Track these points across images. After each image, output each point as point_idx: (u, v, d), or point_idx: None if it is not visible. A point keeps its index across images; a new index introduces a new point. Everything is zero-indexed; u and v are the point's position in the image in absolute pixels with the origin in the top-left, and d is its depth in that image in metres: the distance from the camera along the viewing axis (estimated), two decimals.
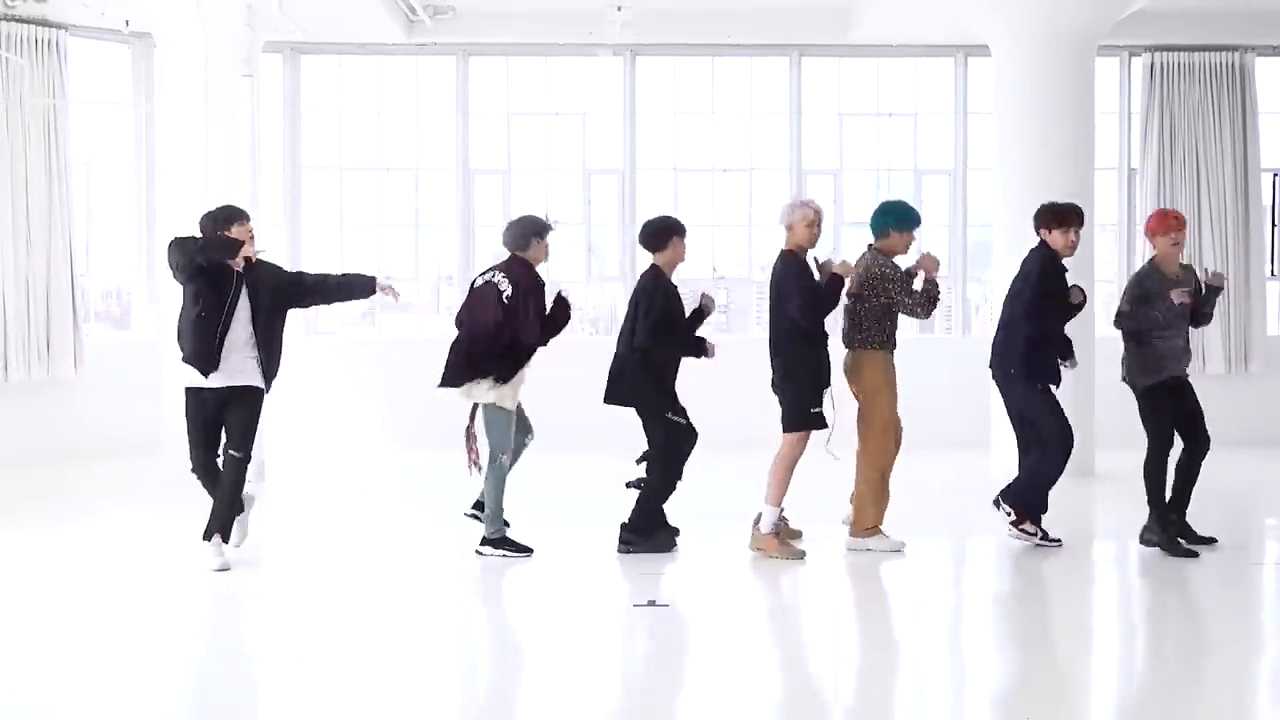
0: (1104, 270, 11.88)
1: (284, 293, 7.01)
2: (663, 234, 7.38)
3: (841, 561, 7.38)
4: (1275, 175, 12.44)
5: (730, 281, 12.58)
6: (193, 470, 7.04)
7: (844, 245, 11.62)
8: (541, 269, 7.33)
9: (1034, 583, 7.04)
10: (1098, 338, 10.12)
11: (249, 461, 6.95)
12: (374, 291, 7.22)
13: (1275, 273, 12.47)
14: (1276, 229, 12.45)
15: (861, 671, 5.54)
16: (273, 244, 10.31)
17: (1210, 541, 7.40)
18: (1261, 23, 11.92)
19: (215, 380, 6.80)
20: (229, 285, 6.77)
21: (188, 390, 6.90)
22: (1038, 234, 7.39)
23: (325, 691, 5.09)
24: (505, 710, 4.97)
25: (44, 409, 10.85)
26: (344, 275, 7.35)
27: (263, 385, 6.94)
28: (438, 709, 5.04)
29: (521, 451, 7.33)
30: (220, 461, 6.94)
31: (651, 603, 6.23)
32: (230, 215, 6.95)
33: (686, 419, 7.29)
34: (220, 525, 6.91)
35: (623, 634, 6.02)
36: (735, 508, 7.87)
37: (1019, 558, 7.37)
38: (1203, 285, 7.47)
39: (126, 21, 10.73)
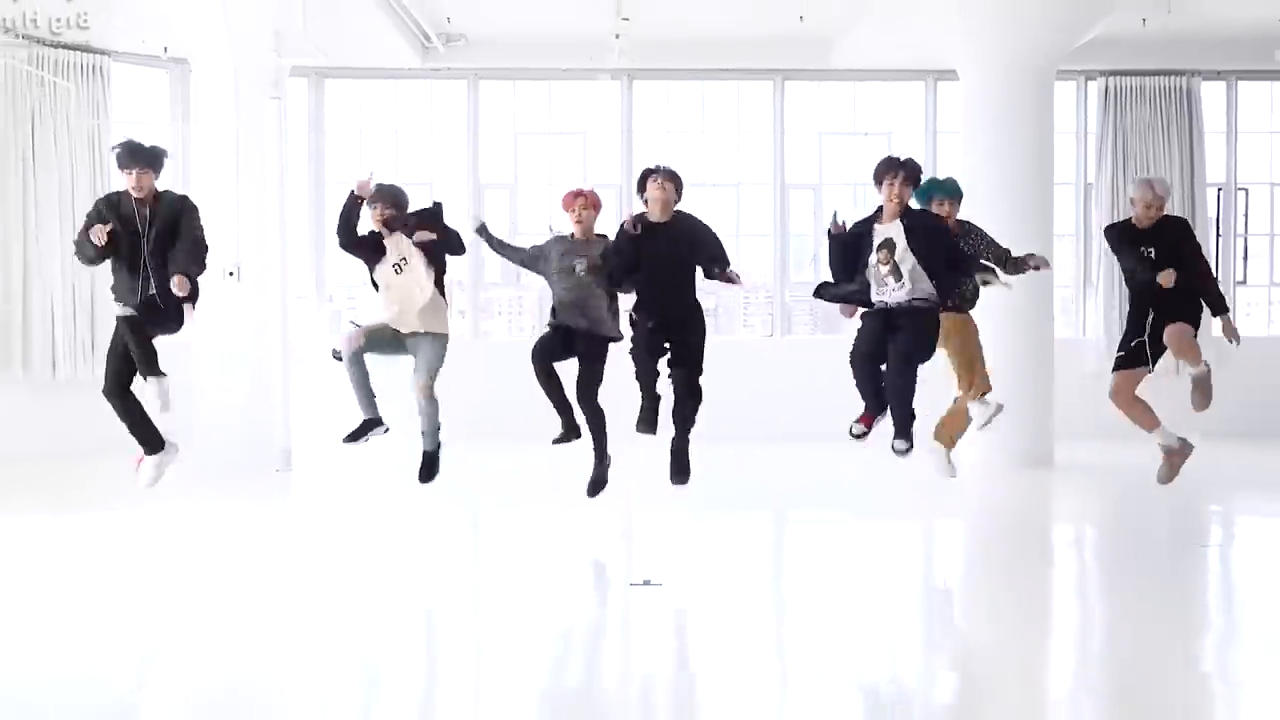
0: (1062, 277, 12.40)
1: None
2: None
3: (833, 542, 7.60)
4: (1219, 189, 12.96)
5: (721, 285, 12.85)
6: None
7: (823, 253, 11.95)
8: None
9: (1001, 568, 6.99)
10: (1058, 338, 10.79)
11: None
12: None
13: (1246, 280, 13.05)
14: (1221, 239, 13.02)
15: (852, 652, 5.41)
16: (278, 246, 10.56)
17: None
18: (1207, 49, 12.41)
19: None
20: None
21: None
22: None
23: (332, 673, 5.12)
24: (502, 689, 4.93)
25: (89, 404, 11.27)
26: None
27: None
28: (436, 688, 5.06)
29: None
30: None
31: (647, 582, 6.31)
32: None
33: None
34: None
35: (619, 612, 6.07)
36: (730, 493, 8.11)
37: (988, 542, 7.63)
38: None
39: (165, 48, 11.16)
